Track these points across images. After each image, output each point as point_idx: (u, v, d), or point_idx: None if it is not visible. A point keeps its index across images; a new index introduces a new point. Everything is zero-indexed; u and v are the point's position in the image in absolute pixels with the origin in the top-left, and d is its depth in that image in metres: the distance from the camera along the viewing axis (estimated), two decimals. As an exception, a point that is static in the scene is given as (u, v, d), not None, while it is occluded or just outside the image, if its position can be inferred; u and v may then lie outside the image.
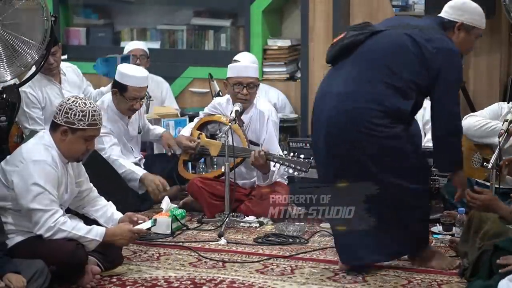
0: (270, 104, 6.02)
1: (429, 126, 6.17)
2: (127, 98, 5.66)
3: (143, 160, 6.05)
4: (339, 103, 4.30)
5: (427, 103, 6.25)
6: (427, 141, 6.09)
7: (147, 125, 6.12)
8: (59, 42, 5.87)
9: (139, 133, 5.97)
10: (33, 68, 5.18)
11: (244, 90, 5.55)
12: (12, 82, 5.07)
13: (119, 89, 5.66)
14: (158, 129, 6.12)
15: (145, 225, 4.47)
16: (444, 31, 4.44)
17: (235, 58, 6.63)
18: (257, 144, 5.62)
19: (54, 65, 5.78)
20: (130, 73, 5.67)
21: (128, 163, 5.72)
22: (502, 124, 4.95)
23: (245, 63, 5.80)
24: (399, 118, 4.30)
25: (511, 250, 3.92)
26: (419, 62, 4.30)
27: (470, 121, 5.47)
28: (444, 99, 4.36)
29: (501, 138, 4.82)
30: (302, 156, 5.37)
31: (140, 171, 5.70)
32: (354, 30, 4.46)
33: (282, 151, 5.61)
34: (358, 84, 4.30)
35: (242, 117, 5.63)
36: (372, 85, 4.28)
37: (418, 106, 4.46)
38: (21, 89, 5.51)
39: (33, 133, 5.30)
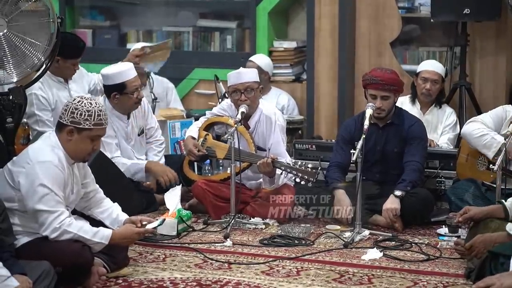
0: (275, 108, 6.02)
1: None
2: (130, 93, 5.65)
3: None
4: None
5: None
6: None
7: (155, 128, 6.04)
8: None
9: (139, 134, 5.92)
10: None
11: (242, 96, 5.55)
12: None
13: (118, 90, 5.63)
14: (150, 157, 5.96)
15: (152, 225, 4.48)
16: None
17: (250, 58, 6.84)
18: (264, 149, 5.62)
19: (73, 74, 5.87)
20: (119, 70, 5.65)
21: (127, 160, 5.73)
22: (508, 126, 4.95)
23: (239, 70, 5.78)
24: None
25: (506, 254, 3.92)
26: None
27: (470, 128, 5.44)
28: None
29: (507, 139, 4.81)
30: (309, 165, 5.34)
31: (142, 162, 5.74)
32: None
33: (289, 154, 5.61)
34: None
35: (248, 122, 5.63)
36: None
37: None
38: (32, 91, 5.53)
39: (39, 134, 5.30)
